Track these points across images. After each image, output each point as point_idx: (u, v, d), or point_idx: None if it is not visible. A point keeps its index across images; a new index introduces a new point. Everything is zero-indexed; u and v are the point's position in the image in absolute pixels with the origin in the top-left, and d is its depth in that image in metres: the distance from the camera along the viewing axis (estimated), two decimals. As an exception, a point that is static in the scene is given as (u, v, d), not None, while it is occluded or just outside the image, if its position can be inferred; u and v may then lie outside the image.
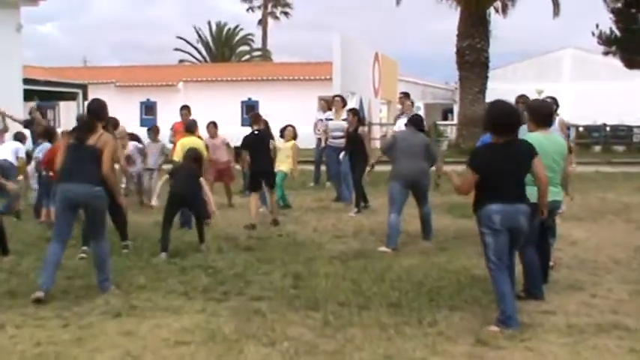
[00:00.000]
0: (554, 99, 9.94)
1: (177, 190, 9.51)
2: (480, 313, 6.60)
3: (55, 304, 6.85)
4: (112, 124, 13.59)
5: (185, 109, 14.73)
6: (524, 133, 7.16)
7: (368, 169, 11.73)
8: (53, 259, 7.15)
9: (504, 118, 6.33)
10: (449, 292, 7.29)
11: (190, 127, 12.42)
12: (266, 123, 12.66)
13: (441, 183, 10.72)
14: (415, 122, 10.42)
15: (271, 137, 12.17)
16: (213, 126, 14.08)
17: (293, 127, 13.37)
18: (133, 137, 14.75)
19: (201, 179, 9.77)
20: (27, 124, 17.46)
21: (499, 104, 6.51)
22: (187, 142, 11.46)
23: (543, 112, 7.32)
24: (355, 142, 13.15)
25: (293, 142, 13.17)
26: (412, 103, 16.12)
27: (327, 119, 16.87)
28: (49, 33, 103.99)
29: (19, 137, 13.62)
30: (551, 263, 7.78)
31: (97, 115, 7.59)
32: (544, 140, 6.94)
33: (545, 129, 7.18)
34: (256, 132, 11.80)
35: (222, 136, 14.16)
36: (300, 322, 6.34)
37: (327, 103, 17.82)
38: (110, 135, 7.62)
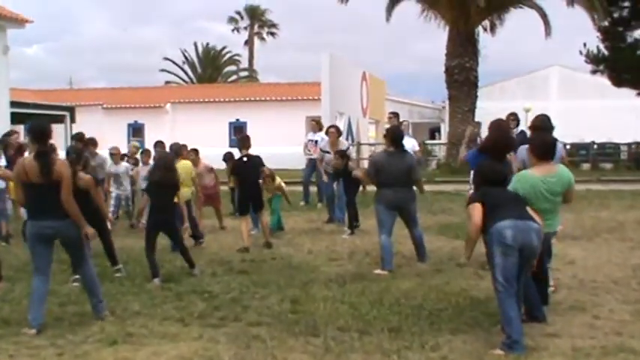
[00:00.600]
0: (547, 117, 9.79)
1: (152, 213, 9.37)
2: (482, 336, 6.51)
3: (49, 332, 6.72)
4: (92, 144, 13.58)
5: (159, 146, 14.23)
6: (524, 153, 7.11)
7: (361, 188, 11.96)
8: (39, 293, 6.96)
9: (502, 144, 6.32)
10: (449, 314, 7.20)
11: (177, 151, 12.04)
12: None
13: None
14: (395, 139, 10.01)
15: (262, 164, 11.79)
16: (194, 153, 13.49)
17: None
18: (124, 158, 14.72)
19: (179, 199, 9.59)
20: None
21: (502, 129, 6.47)
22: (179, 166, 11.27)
23: (544, 149, 6.91)
24: (346, 174, 13.05)
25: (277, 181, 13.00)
26: (402, 122, 15.95)
27: (313, 140, 16.91)
28: (35, 55, 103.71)
29: None
30: (551, 287, 7.68)
31: (37, 139, 7.03)
32: (538, 182, 6.67)
33: (547, 163, 6.85)
34: (245, 159, 11.58)
35: (204, 162, 13.75)
36: (301, 348, 6.24)
37: (317, 124, 17.74)
38: (63, 160, 7.28)
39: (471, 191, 8.04)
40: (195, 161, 13.28)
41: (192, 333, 6.69)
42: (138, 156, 14.85)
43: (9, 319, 7.16)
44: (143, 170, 14.11)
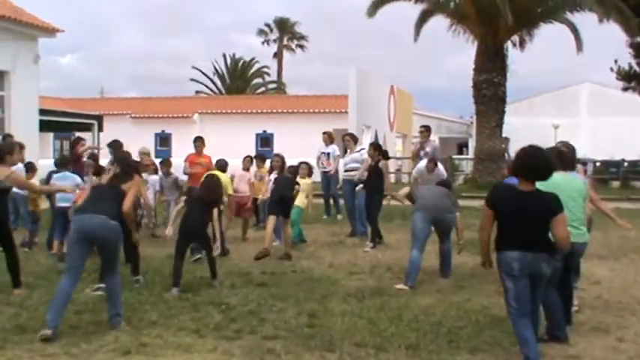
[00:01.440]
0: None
1: (187, 223, 9.36)
2: (502, 356, 6.38)
3: (64, 341, 6.67)
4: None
5: (199, 141, 14.69)
6: None
7: (387, 196, 12.12)
8: (63, 294, 6.98)
9: (533, 167, 6.10)
10: (468, 333, 7.07)
11: (222, 168, 12.75)
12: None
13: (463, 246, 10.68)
14: (443, 184, 10.56)
15: (297, 183, 12.25)
16: (249, 160, 14.68)
17: (307, 165, 13.29)
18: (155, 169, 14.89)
19: (215, 211, 9.58)
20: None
21: (533, 150, 6.27)
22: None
23: (569, 159, 7.20)
24: (376, 175, 13.01)
25: (309, 180, 13.10)
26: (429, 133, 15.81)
27: (325, 153, 17.05)
28: (69, 64, 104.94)
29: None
30: (575, 307, 7.53)
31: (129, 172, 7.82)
32: (559, 179, 6.65)
33: (566, 172, 7.02)
34: (281, 175, 12.41)
35: (251, 172, 14.57)
36: (316, 363, 6.14)
37: (329, 136, 17.66)
38: (137, 178, 7.58)
39: None
40: (248, 167, 14.50)
41: (207, 345, 6.62)
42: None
43: (25, 326, 7.13)
44: (165, 182, 14.22)
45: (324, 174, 17.28)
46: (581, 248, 7.07)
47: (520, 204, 6.01)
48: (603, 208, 8.00)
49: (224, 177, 12.30)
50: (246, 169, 14.51)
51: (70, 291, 7.07)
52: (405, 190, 11.00)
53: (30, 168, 12.73)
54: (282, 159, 13.05)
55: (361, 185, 13.58)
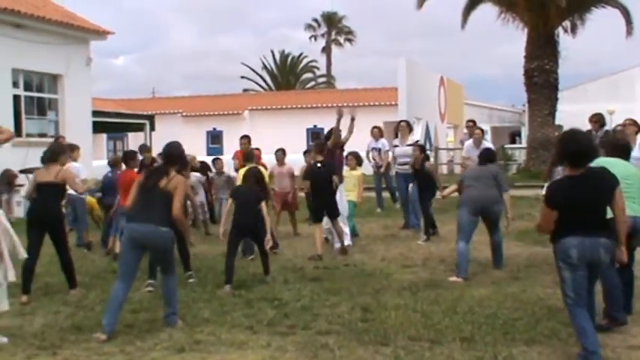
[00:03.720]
0: (634, 121, 9.43)
1: (240, 219, 9.36)
2: (559, 348, 6.25)
3: (119, 339, 6.75)
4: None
5: (245, 139, 14.53)
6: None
7: (439, 195, 11.72)
8: (118, 299, 7.03)
9: (579, 149, 5.94)
10: (524, 324, 6.94)
11: (248, 157, 12.28)
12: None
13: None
14: (486, 156, 10.32)
15: (334, 172, 11.68)
16: (281, 153, 13.95)
17: (354, 155, 13.11)
18: (204, 167, 14.95)
19: (263, 205, 9.57)
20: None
21: (572, 134, 6.12)
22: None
23: (619, 148, 6.99)
24: (423, 178, 12.92)
25: (359, 171, 12.94)
26: (481, 130, 15.48)
27: (376, 148, 16.90)
28: (123, 65, 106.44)
29: None
30: None
31: (172, 161, 7.51)
32: (610, 160, 6.55)
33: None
34: (319, 165, 11.53)
35: (289, 164, 14.04)
36: (370, 357, 6.10)
37: (379, 131, 17.52)
38: (181, 177, 7.52)
39: None
40: (281, 160, 13.82)
41: (260, 341, 6.62)
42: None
43: (81, 326, 7.23)
44: (218, 180, 14.28)
45: (378, 168, 17.18)
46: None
47: (577, 190, 5.85)
48: None
49: (265, 172, 12.13)
50: (281, 163, 13.93)
51: (123, 297, 7.12)
52: (452, 187, 10.73)
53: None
54: (318, 145, 12.01)
55: (411, 184, 13.53)
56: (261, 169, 11.48)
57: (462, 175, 10.75)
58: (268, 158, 14.72)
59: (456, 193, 10.29)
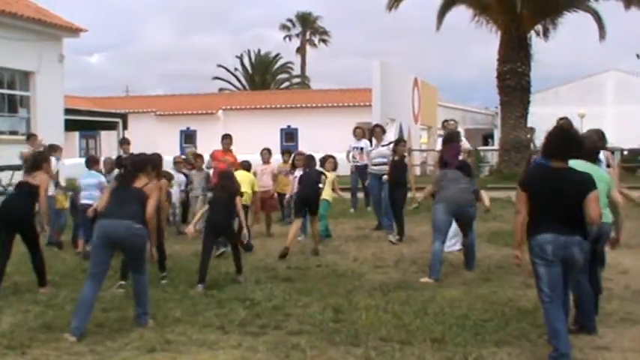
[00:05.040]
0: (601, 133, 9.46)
1: (213, 219, 9.36)
2: (528, 348, 6.31)
3: (90, 339, 6.70)
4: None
5: (227, 139, 14.64)
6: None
7: (414, 204, 11.73)
8: (88, 299, 6.97)
9: (565, 144, 6.05)
10: (494, 325, 7.00)
11: (247, 167, 12.89)
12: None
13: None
14: (462, 168, 10.26)
15: (322, 173, 12.08)
16: (267, 152, 14.70)
17: (334, 158, 13.18)
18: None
19: (238, 199, 9.59)
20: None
21: (562, 128, 6.23)
22: (239, 175, 11.41)
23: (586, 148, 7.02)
24: (399, 170, 12.97)
25: (333, 174, 12.99)
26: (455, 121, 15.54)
27: (358, 147, 16.88)
28: (97, 63, 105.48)
29: None
30: None
31: (139, 168, 7.64)
32: (581, 164, 6.60)
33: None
34: (307, 170, 12.04)
35: (273, 164, 14.65)
36: (341, 358, 6.12)
37: (362, 131, 17.59)
38: (157, 183, 7.56)
39: None
40: (267, 159, 14.58)
41: (231, 341, 6.61)
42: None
43: (51, 325, 7.17)
44: (197, 176, 14.25)
45: (356, 168, 17.21)
46: (608, 228, 6.95)
47: (555, 182, 5.94)
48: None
49: (250, 176, 12.45)
50: (266, 161, 14.50)
51: (93, 298, 7.06)
52: (428, 189, 10.75)
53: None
54: (307, 158, 12.62)
55: (386, 177, 13.51)
56: (252, 177, 12.30)
57: (435, 175, 10.76)
58: (253, 158, 14.79)
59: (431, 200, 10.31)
